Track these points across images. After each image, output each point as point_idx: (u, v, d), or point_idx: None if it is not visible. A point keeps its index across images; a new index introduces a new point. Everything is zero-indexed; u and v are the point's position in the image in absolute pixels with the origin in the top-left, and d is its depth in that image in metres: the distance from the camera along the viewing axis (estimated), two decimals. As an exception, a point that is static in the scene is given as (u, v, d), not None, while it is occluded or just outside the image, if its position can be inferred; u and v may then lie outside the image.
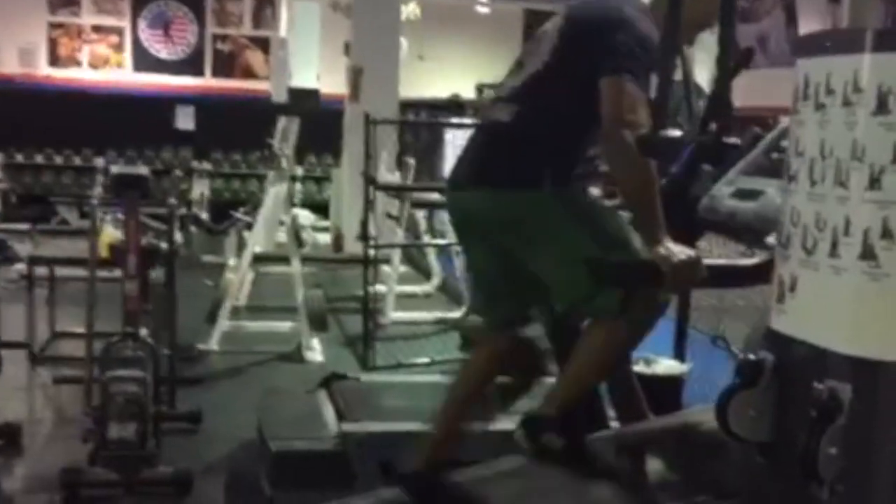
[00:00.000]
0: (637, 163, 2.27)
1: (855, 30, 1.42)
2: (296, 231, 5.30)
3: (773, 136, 2.86)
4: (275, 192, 5.29)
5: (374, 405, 3.67)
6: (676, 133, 1.62)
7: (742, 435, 1.54)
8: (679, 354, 3.84)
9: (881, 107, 1.34)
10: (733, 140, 1.52)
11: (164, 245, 3.79)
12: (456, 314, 6.36)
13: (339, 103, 9.19)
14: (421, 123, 6.85)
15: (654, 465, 2.83)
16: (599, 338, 2.55)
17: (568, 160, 2.52)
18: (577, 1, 2.69)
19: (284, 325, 5.46)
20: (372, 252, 5.40)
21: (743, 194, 2.62)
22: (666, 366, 3.73)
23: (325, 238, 8.59)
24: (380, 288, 5.83)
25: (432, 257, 7.01)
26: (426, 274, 7.33)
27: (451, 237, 6.59)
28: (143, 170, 3.43)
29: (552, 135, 2.49)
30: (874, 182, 1.35)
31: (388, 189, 5.15)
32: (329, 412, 3.56)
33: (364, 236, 5.12)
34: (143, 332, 3.52)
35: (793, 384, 1.49)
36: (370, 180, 5.05)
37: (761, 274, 2.13)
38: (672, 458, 2.80)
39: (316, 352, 5.30)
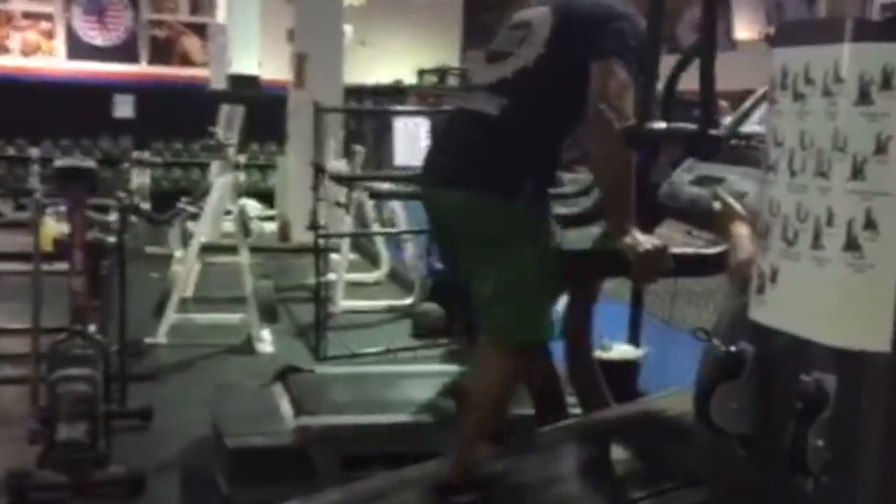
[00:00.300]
0: (619, 148, 2.27)
1: (835, 19, 1.41)
2: (244, 221, 5.19)
3: (729, 124, 2.88)
4: (222, 182, 5.18)
5: (332, 398, 3.61)
6: (663, 125, 1.60)
7: (724, 427, 1.53)
8: (634, 339, 3.86)
9: (863, 97, 1.33)
10: (719, 132, 1.49)
11: (110, 239, 3.67)
12: (406, 301, 6.32)
13: (282, 90, 9.05)
14: (370, 111, 6.77)
15: (618, 453, 2.84)
16: (493, 369, 2.55)
17: (549, 167, 2.50)
18: None
19: (234, 317, 5.36)
20: (321, 241, 5.34)
21: (703, 181, 2.63)
22: (621, 351, 3.75)
23: (270, 227, 8.47)
24: (329, 276, 5.77)
25: (381, 245, 6.96)
26: (374, 262, 7.28)
27: (401, 225, 6.55)
28: (89, 162, 3.32)
29: (539, 132, 2.45)
30: (857, 173, 1.34)
31: (342, 180, 5.08)
32: (285, 406, 3.49)
33: (314, 226, 5.05)
34: (91, 328, 3.41)
35: (775, 375, 1.48)
36: (321, 170, 4.98)
37: (726, 262, 2.14)
38: (637, 445, 2.81)
39: (266, 343, 5.23)
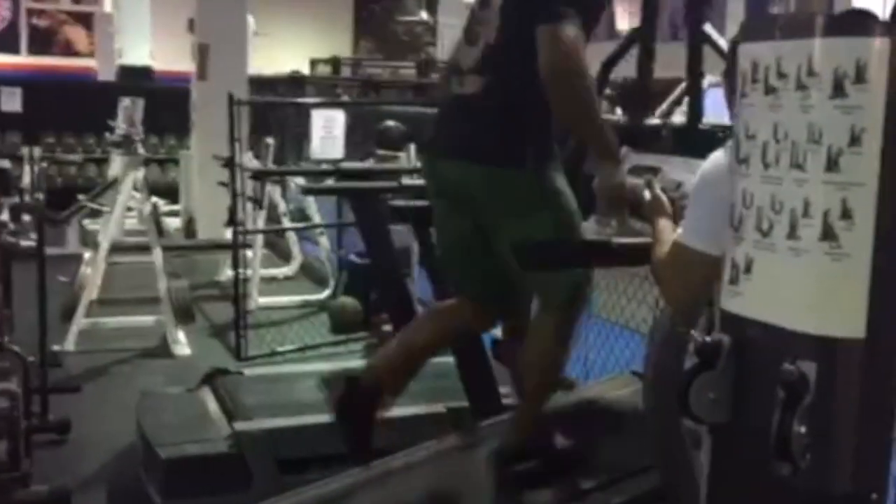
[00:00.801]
0: (581, 105, 2.35)
1: (807, 14, 1.43)
2: (157, 219, 5.02)
3: (660, 114, 2.92)
4: (132, 178, 4.99)
5: (264, 400, 3.53)
6: (658, 122, 1.60)
7: (703, 417, 1.54)
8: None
9: (837, 90, 1.36)
10: (709, 127, 1.50)
11: (25, 242, 3.49)
12: (321, 295, 6.25)
13: (178, 81, 8.80)
14: (287, 104, 6.62)
15: (560, 443, 2.85)
16: (550, 331, 2.58)
17: (546, 130, 2.52)
18: None
19: (147, 319, 5.19)
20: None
21: (639, 171, 2.65)
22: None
23: (173, 223, 8.23)
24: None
25: (293, 240, 6.86)
26: (284, 256, 7.17)
27: (315, 218, 6.44)
28: (3, 163, 3.14)
29: (525, 102, 2.46)
30: (832, 164, 1.37)
31: (261, 175, 4.95)
32: (216, 411, 3.40)
33: (233, 222, 4.93)
34: (6, 339, 3.25)
35: (752, 364, 1.50)
36: (238, 165, 4.85)
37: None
38: (579, 435, 2.83)
39: (183, 345, 5.08)
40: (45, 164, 6.22)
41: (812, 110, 1.39)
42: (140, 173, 5.01)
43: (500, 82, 2.48)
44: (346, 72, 16.63)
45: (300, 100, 6.63)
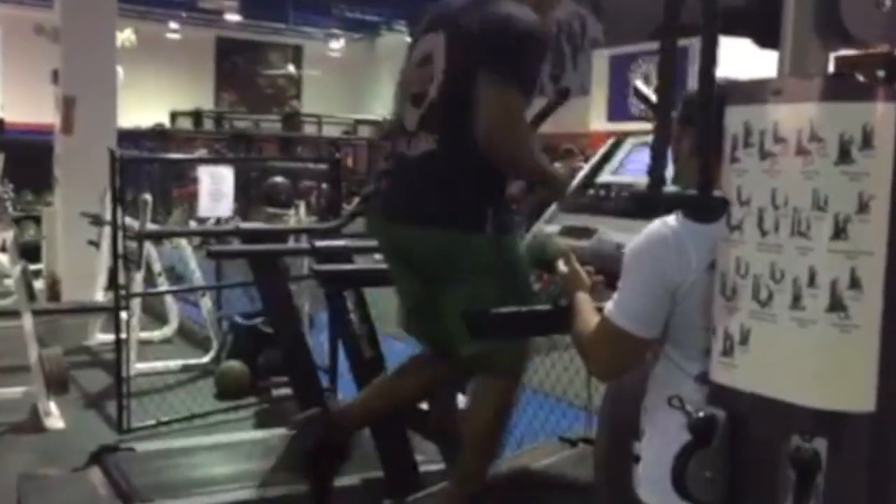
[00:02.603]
0: (519, 159, 2.38)
1: (811, 77, 1.40)
2: (27, 282, 4.64)
3: (585, 174, 2.90)
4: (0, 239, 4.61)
5: (163, 479, 3.25)
6: (673, 189, 1.52)
7: (700, 498, 1.46)
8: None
9: (843, 156, 1.32)
10: (722, 194, 1.43)
11: None
12: (204, 359, 5.95)
13: (37, 134, 8.36)
14: (174, 161, 6.31)
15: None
16: (494, 400, 2.47)
17: (504, 190, 2.43)
18: (450, 8, 2.55)
19: (14, 391, 4.76)
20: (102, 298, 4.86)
21: (573, 232, 2.62)
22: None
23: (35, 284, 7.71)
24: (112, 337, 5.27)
25: (170, 301, 6.51)
26: (159, 318, 6.80)
27: (198, 279, 6.14)
28: None
29: (481, 161, 2.36)
30: (840, 232, 1.33)
31: (155, 236, 4.66)
32: (110, 494, 3.11)
33: (114, 285, 4.61)
34: None
35: (751, 440, 1.44)
36: (120, 227, 4.54)
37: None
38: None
39: (56, 417, 4.68)
40: None
41: (816, 176, 1.35)
42: (9, 234, 4.64)
43: (453, 140, 2.41)
44: (208, 124, 16.28)
45: (188, 156, 6.34)
